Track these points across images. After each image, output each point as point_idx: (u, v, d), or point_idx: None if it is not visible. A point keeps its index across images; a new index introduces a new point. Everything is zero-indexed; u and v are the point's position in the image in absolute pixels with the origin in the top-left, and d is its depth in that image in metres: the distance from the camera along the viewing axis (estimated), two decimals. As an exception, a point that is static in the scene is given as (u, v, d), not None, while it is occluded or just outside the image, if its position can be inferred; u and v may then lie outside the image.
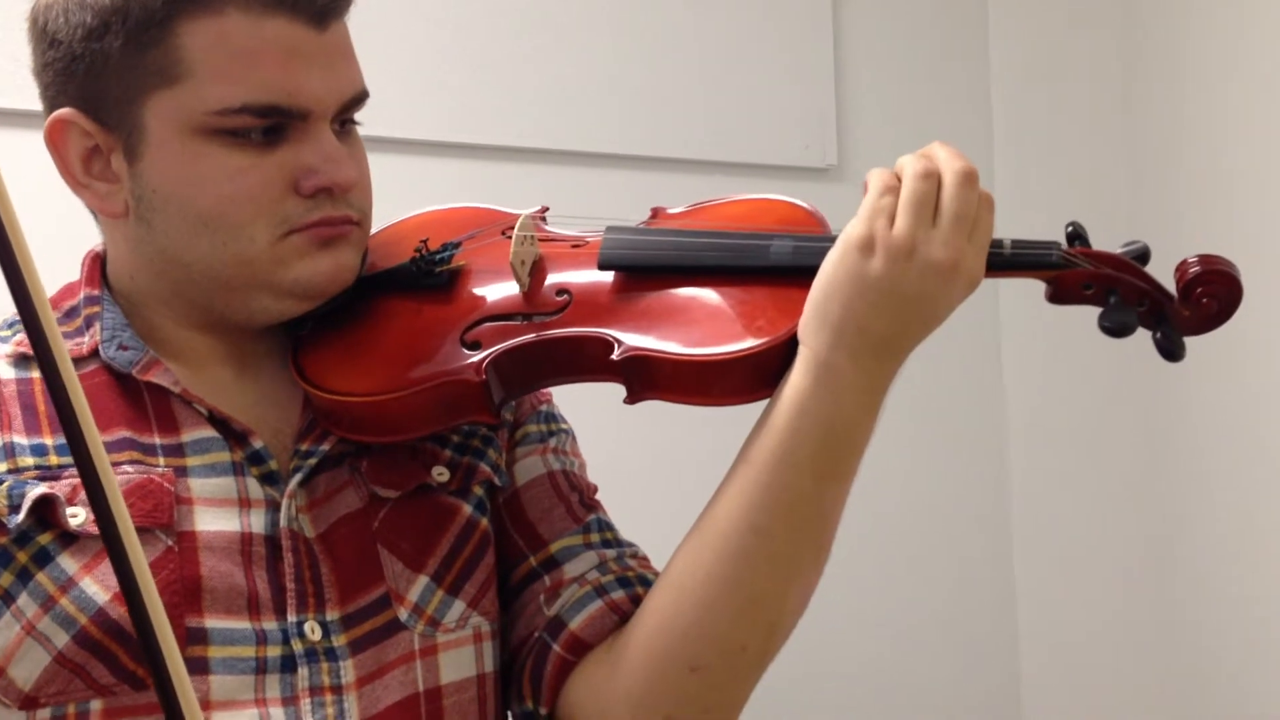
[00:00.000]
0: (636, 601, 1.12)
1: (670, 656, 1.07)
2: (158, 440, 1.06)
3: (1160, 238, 2.70)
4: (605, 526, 1.19)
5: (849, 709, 2.62)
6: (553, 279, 1.12)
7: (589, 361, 1.07)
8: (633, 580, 1.14)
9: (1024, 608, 2.80)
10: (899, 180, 1.01)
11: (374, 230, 1.21)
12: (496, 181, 2.39)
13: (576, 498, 1.19)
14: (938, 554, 2.76)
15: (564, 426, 1.25)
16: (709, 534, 1.06)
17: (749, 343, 1.03)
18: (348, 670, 1.05)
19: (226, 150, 1.03)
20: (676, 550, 1.09)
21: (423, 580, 1.10)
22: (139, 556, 0.70)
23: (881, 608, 2.69)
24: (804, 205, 1.14)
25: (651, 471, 2.37)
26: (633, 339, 1.05)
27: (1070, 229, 1.06)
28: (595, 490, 1.23)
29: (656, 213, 1.17)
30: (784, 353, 1.04)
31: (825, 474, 1.03)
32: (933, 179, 1.00)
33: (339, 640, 1.05)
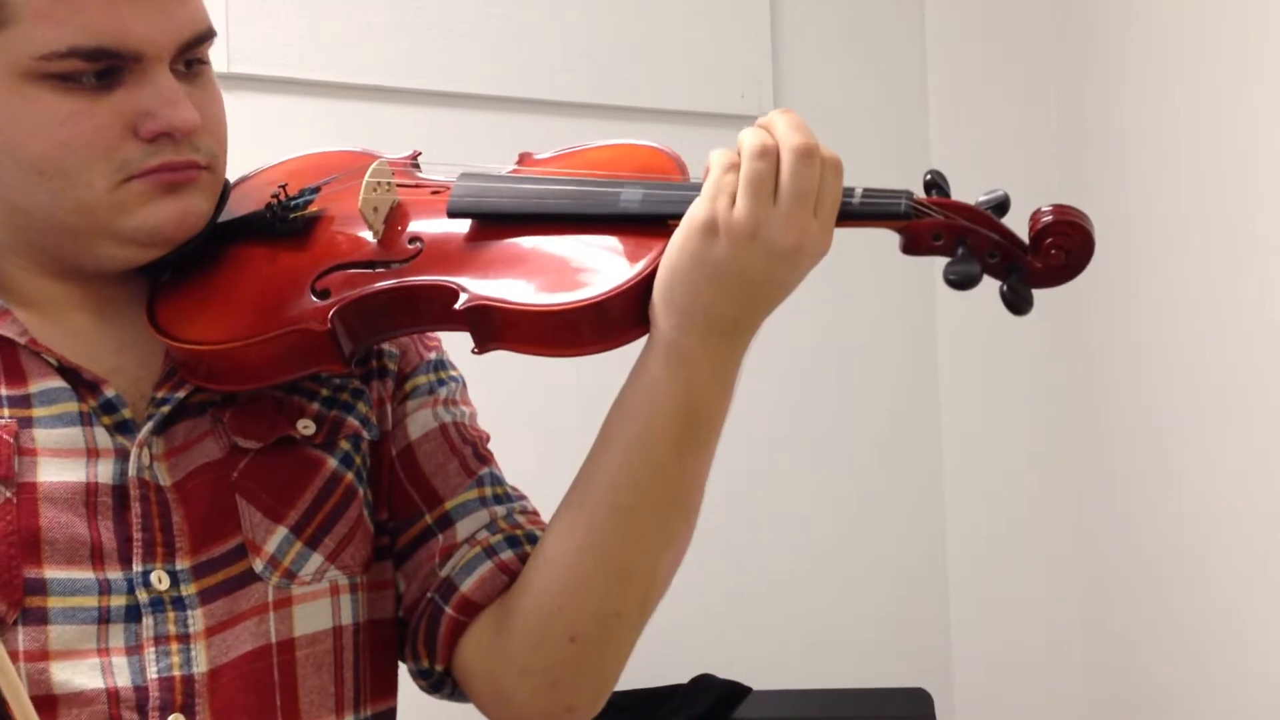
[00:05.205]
0: (525, 560, 1.13)
1: (550, 628, 1.09)
2: (3, 392, 1.05)
3: (1092, 191, 2.65)
4: (497, 481, 1.18)
5: (780, 645, 2.63)
6: (411, 227, 1.09)
7: (435, 311, 1.05)
8: (521, 539, 1.14)
9: (953, 563, 2.81)
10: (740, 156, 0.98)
11: (245, 176, 1.19)
12: (422, 126, 2.37)
13: (470, 451, 1.18)
14: (870, 506, 2.77)
15: (454, 374, 1.23)
16: (577, 513, 1.07)
17: (589, 293, 1.01)
18: (196, 619, 1.04)
19: (58, 95, 1.01)
20: (549, 526, 1.11)
21: (281, 531, 1.08)
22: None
23: (817, 552, 2.71)
24: (666, 151, 1.11)
25: (538, 415, 2.35)
26: (477, 288, 1.03)
27: (928, 177, 1.02)
28: (488, 439, 1.22)
29: (524, 158, 1.15)
30: (626, 304, 1.02)
31: (685, 450, 1.04)
32: (770, 156, 0.97)
33: (188, 589, 1.05)
